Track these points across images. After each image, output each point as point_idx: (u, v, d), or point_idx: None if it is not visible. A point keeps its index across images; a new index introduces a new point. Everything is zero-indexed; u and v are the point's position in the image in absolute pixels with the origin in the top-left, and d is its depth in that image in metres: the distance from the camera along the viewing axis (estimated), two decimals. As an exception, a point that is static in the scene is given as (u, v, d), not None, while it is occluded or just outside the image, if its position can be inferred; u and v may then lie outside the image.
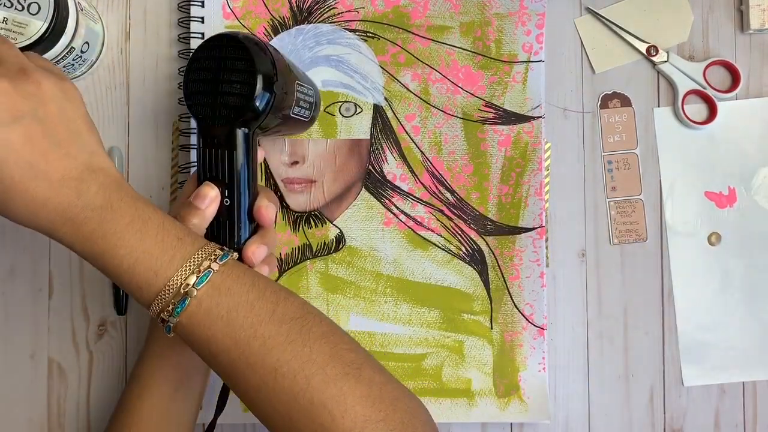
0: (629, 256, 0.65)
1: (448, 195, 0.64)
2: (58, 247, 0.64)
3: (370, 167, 0.64)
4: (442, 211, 0.64)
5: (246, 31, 0.64)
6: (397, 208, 0.64)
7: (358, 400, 0.42)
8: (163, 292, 0.43)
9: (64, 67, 0.60)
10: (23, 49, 0.54)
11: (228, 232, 0.53)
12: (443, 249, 0.64)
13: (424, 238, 0.64)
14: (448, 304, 0.63)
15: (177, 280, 0.43)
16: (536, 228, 0.64)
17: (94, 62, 0.64)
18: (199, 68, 0.52)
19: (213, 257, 0.45)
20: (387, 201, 0.64)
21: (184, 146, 0.64)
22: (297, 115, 0.56)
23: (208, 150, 0.52)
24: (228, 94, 0.51)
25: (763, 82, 0.65)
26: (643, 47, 0.65)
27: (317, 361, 0.43)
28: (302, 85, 0.56)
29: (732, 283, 0.64)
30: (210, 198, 0.52)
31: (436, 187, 0.64)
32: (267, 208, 0.53)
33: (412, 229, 0.64)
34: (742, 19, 0.65)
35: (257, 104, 0.50)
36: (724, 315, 0.64)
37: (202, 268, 0.44)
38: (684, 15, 0.65)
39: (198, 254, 0.44)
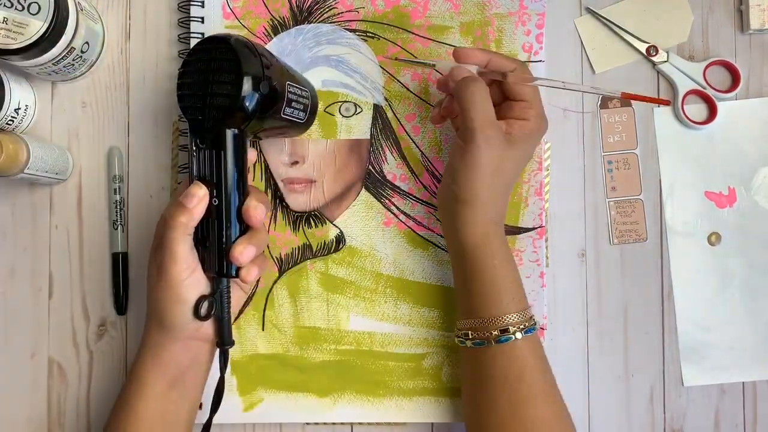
0: (629, 256, 0.65)
1: (448, 195, 0.64)
2: (58, 247, 0.64)
3: (370, 167, 0.64)
4: (442, 211, 0.64)
5: (246, 31, 0.64)
6: (397, 208, 0.64)
7: None
8: (518, 314, 0.54)
9: (64, 67, 0.60)
10: (23, 48, 0.54)
11: (216, 232, 0.53)
12: (443, 249, 0.64)
13: (424, 238, 0.64)
14: (447, 304, 0.63)
15: (531, 310, 0.56)
16: (536, 228, 0.64)
17: (94, 62, 0.64)
18: (190, 70, 0.53)
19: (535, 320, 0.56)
20: (387, 201, 0.64)
21: (184, 146, 0.64)
22: (290, 116, 0.56)
23: (198, 150, 0.53)
24: (217, 95, 0.51)
25: (763, 82, 0.65)
26: (643, 47, 0.65)
27: (573, 427, 0.56)
28: (294, 86, 0.56)
29: (732, 283, 0.64)
30: (198, 197, 0.52)
31: (436, 187, 0.64)
32: (255, 209, 0.53)
33: (412, 229, 0.64)
34: (742, 19, 0.65)
35: (245, 104, 0.51)
36: (724, 315, 0.64)
37: (534, 320, 0.55)
38: (684, 15, 0.65)
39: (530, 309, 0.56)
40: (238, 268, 0.54)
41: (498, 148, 0.53)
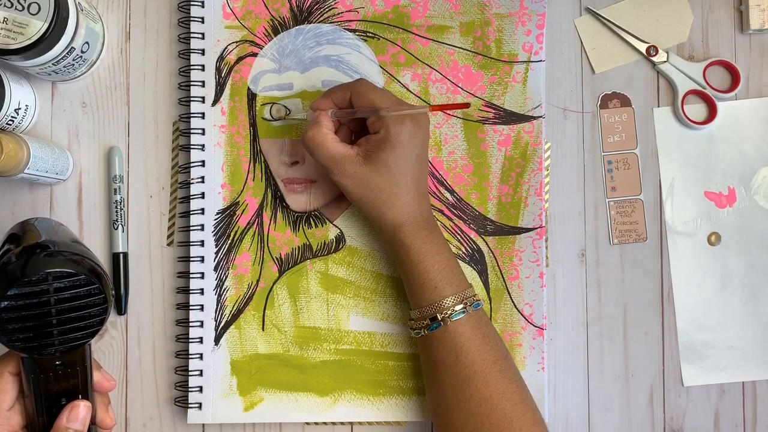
0: (629, 256, 0.65)
1: (447, 195, 0.64)
2: (58, 247, 0.64)
3: (370, 167, 0.64)
4: (441, 211, 0.64)
5: (246, 31, 0.64)
6: (397, 208, 0.64)
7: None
8: (450, 298, 0.55)
9: (64, 67, 0.60)
10: (23, 48, 0.54)
11: None
12: (443, 249, 0.64)
13: (424, 238, 0.64)
14: (448, 304, 0.63)
15: (468, 292, 0.57)
16: (536, 228, 0.64)
17: (94, 62, 0.64)
18: (19, 308, 0.47)
19: (476, 299, 0.57)
20: (387, 201, 0.64)
21: (184, 146, 0.64)
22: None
23: (45, 375, 0.50)
24: (72, 330, 0.48)
25: (763, 82, 0.65)
26: (643, 47, 0.65)
27: (531, 405, 0.56)
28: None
29: (732, 283, 0.64)
30: (83, 419, 0.51)
31: (436, 187, 0.64)
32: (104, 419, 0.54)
33: (412, 229, 0.64)
34: (742, 19, 0.65)
35: (105, 320, 0.50)
36: (723, 315, 0.64)
37: (473, 300, 0.57)
38: (684, 15, 0.65)
39: (471, 289, 0.58)
40: None
41: (353, 175, 0.56)
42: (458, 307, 0.55)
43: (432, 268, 0.56)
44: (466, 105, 0.54)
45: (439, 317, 0.55)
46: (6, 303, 0.46)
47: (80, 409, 0.51)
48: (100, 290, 0.49)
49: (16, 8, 0.54)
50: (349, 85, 0.58)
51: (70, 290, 0.48)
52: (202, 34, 0.64)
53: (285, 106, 0.64)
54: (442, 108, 0.58)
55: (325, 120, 0.57)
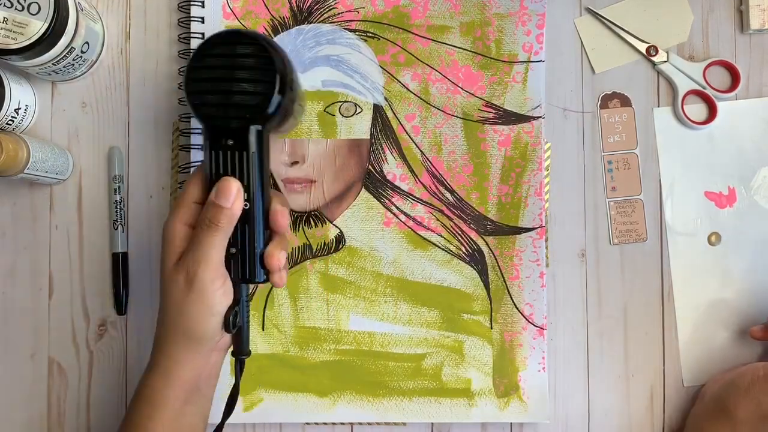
0: (629, 256, 0.65)
1: (447, 195, 0.64)
2: (58, 247, 0.64)
3: (370, 167, 0.64)
4: (441, 211, 0.64)
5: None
6: (397, 208, 0.64)
7: None
8: None
9: (64, 67, 0.60)
10: (23, 48, 0.54)
11: (248, 238, 0.51)
12: (443, 249, 0.64)
13: (424, 238, 0.64)
14: (447, 304, 0.63)
15: None
16: (536, 228, 0.64)
17: (94, 62, 0.64)
18: (207, 66, 0.50)
19: None
20: (387, 201, 0.64)
21: (184, 146, 0.64)
22: (297, 114, 0.56)
23: (219, 152, 0.50)
24: (245, 93, 0.49)
25: (763, 82, 0.65)
26: (643, 47, 0.65)
27: None
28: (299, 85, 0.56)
29: (732, 283, 0.64)
30: (233, 193, 0.49)
31: (436, 187, 0.64)
32: (283, 214, 0.52)
33: (412, 229, 0.64)
34: (742, 19, 0.65)
35: (276, 103, 0.49)
36: (723, 315, 0.64)
37: None
38: (684, 15, 0.65)
39: None
40: (268, 274, 0.52)
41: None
42: None
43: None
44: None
45: None
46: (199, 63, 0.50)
47: (231, 184, 0.49)
48: (273, 68, 0.49)
49: (16, 8, 0.54)
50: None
51: (251, 58, 0.49)
52: (202, 34, 0.64)
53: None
54: None
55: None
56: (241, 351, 0.54)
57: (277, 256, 0.51)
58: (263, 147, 0.51)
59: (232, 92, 0.49)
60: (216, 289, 0.50)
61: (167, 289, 0.51)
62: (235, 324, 0.52)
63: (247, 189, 0.50)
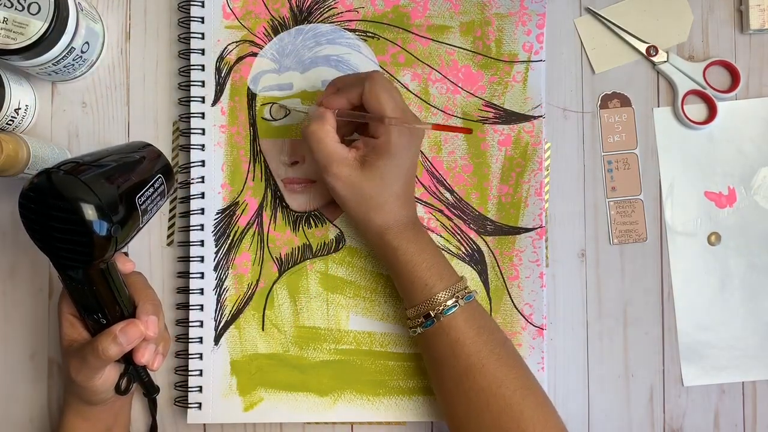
0: (629, 256, 0.65)
1: (447, 195, 0.64)
2: (58, 247, 0.64)
3: (370, 167, 0.64)
4: (441, 211, 0.64)
5: (245, 31, 0.64)
6: (397, 208, 0.64)
7: (548, 419, 0.56)
8: (441, 294, 0.56)
9: (64, 67, 0.60)
10: (23, 48, 0.54)
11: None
12: (443, 249, 0.64)
13: (424, 238, 0.64)
14: (447, 304, 0.63)
15: (459, 285, 0.57)
16: (536, 228, 0.64)
17: (94, 62, 0.64)
18: (27, 218, 0.48)
19: (467, 291, 0.58)
20: (387, 201, 0.64)
21: (184, 146, 0.64)
22: (151, 212, 0.54)
23: (66, 282, 0.52)
24: (66, 250, 0.48)
25: (763, 82, 0.65)
26: (642, 47, 0.65)
27: (533, 388, 0.56)
28: (144, 189, 0.53)
29: (732, 283, 0.64)
30: (108, 354, 0.52)
31: (436, 187, 0.64)
32: (145, 324, 0.54)
33: (412, 229, 0.64)
34: (742, 19, 0.65)
35: (99, 253, 0.49)
36: (723, 315, 0.64)
37: (465, 293, 0.57)
38: (684, 15, 0.65)
39: (462, 282, 0.58)
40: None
41: (346, 179, 0.56)
42: (450, 302, 0.55)
43: (420, 266, 0.56)
44: (469, 130, 0.55)
45: (432, 314, 0.56)
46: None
47: (103, 347, 0.52)
48: (88, 230, 0.47)
49: (16, 8, 0.54)
50: (362, 81, 0.56)
51: (65, 222, 0.47)
52: (202, 34, 0.64)
53: (285, 106, 0.64)
54: (445, 128, 0.60)
55: (329, 117, 0.57)
56: (149, 392, 0.59)
57: (147, 358, 0.54)
58: (108, 276, 0.52)
59: (55, 247, 0.48)
60: (101, 383, 0.54)
61: (63, 361, 0.57)
62: (129, 388, 0.56)
63: (103, 311, 0.53)
